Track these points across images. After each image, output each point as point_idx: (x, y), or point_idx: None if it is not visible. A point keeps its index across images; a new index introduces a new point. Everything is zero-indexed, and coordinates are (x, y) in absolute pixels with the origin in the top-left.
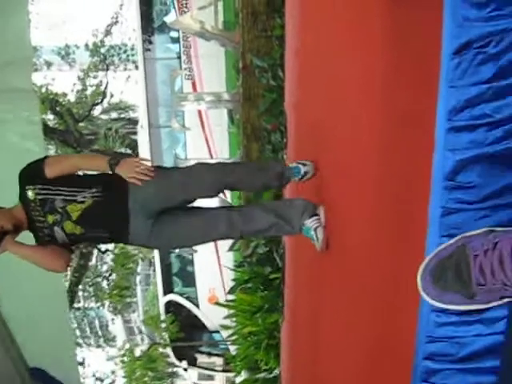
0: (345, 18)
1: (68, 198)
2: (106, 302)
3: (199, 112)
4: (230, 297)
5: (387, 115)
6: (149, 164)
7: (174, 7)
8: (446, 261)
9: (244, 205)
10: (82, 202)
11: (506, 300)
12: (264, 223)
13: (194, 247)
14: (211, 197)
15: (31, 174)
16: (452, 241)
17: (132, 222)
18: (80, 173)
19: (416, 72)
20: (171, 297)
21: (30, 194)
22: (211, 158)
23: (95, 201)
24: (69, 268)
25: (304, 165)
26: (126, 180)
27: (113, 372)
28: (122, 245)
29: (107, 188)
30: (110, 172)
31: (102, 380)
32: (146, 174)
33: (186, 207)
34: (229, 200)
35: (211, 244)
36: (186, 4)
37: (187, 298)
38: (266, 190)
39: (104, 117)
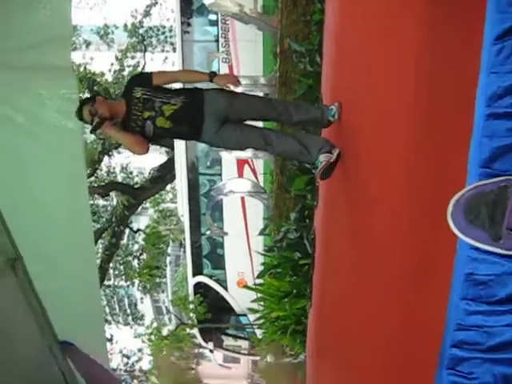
0: (385, 5)
1: (165, 100)
2: (136, 281)
3: None
4: (259, 281)
5: (423, 100)
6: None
7: None
8: (483, 196)
9: (280, 131)
10: (174, 104)
11: None
12: (291, 146)
13: (225, 231)
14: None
15: (142, 79)
16: (496, 179)
17: (205, 122)
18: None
19: (455, 58)
20: (200, 278)
21: (137, 93)
22: None
23: (183, 104)
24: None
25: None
26: (202, 93)
27: (139, 350)
28: (153, 225)
29: (190, 97)
30: (208, 82)
31: (128, 357)
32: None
33: (243, 121)
34: (261, 185)
35: (242, 227)
36: None
37: (216, 281)
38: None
39: None
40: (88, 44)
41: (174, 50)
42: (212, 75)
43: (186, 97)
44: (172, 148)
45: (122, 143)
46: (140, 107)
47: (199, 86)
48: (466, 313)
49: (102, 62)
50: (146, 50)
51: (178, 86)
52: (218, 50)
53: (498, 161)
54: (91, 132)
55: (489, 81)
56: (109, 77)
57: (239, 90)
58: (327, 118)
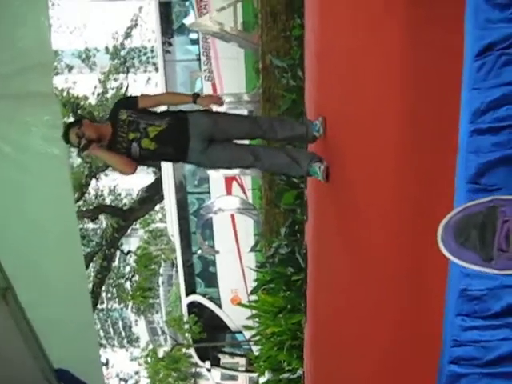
0: (364, 19)
1: (150, 122)
2: (129, 303)
3: None
4: (253, 297)
5: (409, 108)
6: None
7: (193, 9)
8: (472, 217)
9: (267, 146)
10: (159, 126)
11: None
12: (280, 159)
13: (217, 249)
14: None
15: (128, 102)
16: (484, 199)
17: (191, 142)
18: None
19: (437, 74)
20: (194, 297)
21: (123, 115)
22: None
23: (168, 126)
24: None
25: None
26: (186, 115)
27: (136, 372)
28: (144, 246)
29: (175, 119)
30: (192, 103)
31: (126, 380)
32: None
33: (229, 140)
34: (250, 201)
35: (233, 245)
36: (205, 5)
37: (210, 299)
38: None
39: None
40: (70, 68)
41: (157, 70)
42: (195, 96)
43: (171, 118)
44: (159, 168)
45: (111, 164)
46: (125, 129)
47: (184, 107)
48: (461, 329)
49: (85, 86)
50: (128, 72)
51: (163, 108)
52: (201, 68)
53: (485, 176)
54: (78, 153)
55: (471, 97)
56: (92, 100)
57: (223, 107)
58: (312, 134)
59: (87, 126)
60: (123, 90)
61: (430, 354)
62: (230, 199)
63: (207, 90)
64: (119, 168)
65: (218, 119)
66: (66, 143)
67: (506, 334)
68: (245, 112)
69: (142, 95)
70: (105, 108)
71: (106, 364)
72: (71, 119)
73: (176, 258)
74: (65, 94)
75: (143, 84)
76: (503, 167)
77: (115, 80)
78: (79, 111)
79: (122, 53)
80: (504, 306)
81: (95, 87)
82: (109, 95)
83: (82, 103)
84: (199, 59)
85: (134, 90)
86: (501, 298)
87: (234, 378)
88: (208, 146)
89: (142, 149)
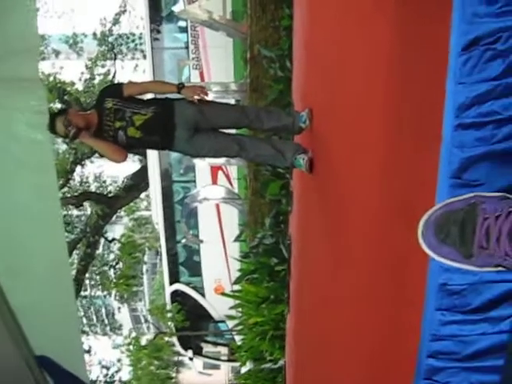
0: (353, 10)
1: (135, 110)
2: (113, 291)
3: None
4: (236, 287)
5: (395, 103)
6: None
7: None
8: (453, 214)
9: (253, 136)
10: (145, 114)
11: (500, 269)
12: (265, 151)
13: (201, 238)
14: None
15: (113, 90)
16: (465, 196)
17: (177, 131)
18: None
19: (423, 68)
20: (177, 286)
21: (108, 103)
22: None
23: (153, 115)
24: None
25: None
26: (172, 103)
27: (119, 360)
28: (128, 234)
29: (161, 107)
30: (176, 93)
31: (107, 368)
32: (201, 98)
33: (216, 129)
34: (235, 191)
35: (217, 234)
36: None
37: (193, 288)
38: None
39: None
40: (57, 53)
41: (145, 57)
42: (180, 87)
43: (157, 107)
44: (145, 156)
45: (101, 151)
46: (111, 117)
47: (171, 95)
48: (440, 323)
49: (72, 71)
50: (116, 58)
51: (150, 96)
52: (189, 56)
53: (468, 171)
54: (70, 141)
55: (456, 91)
56: (79, 86)
57: (210, 96)
58: (298, 125)
59: (73, 114)
60: (110, 77)
61: (409, 348)
62: (215, 188)
63: (195, 78)
64: (110, 156)
65: (204, 108)
66: (51, 133)
67: (485, 328)
68: (232, 101)
69: (127, 83)
70: (91, 94)
71: (89, 351)
72: (57, 105)
73: (160, 247)
74: (51, 79)
75: (131, 71)
76: (486, 163)
77: (102, 66)
78: (65, 97)
79: (110, 39)
80: (484, 301)
81: (82, 73)
82: (96, 81)
83: (68, 89)
84: (187, 47)
85: (122, 77)
86: (481, 293)
87: (216, 367)
88: (193, 135)
89: (128, 137)
